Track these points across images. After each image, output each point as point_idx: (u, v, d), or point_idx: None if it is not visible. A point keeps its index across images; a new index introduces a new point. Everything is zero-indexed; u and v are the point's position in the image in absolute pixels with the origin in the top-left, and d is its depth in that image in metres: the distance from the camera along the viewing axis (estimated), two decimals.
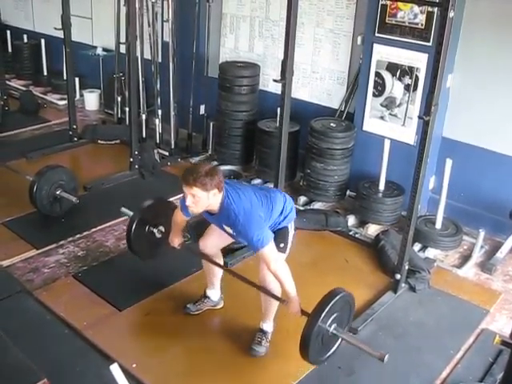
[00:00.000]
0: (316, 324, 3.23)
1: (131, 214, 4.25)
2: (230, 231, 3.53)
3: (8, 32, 9.50)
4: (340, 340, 3.46)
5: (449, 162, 4.87)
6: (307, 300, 4.00)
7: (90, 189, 5.82)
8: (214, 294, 4.16)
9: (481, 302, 4.44)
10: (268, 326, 3.85)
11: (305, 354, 3.30)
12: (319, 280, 4.38)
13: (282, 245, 3.64)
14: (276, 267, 3.40)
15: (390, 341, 4.00)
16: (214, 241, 3.93)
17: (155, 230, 4.14)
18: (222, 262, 4.11)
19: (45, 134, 7.44)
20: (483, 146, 5.23)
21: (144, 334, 4.02)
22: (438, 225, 5.11)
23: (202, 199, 3.32)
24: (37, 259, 4.69)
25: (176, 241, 3.95)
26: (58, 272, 4.54)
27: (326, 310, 3.25)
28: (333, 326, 3.34)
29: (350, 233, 5.33)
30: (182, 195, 3.49)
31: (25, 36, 9.46)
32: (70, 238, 4.97)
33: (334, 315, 3.33)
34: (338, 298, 3.33)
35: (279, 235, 3.61)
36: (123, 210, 4.49)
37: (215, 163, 6.49)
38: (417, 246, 5.02)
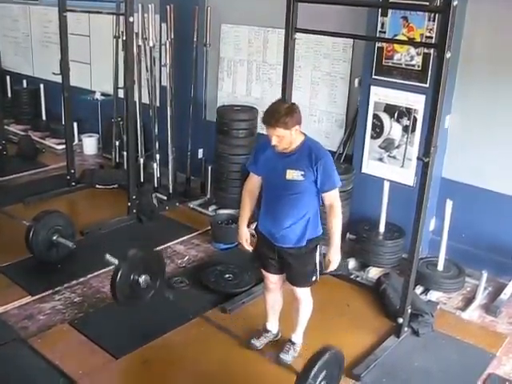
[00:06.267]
0: None
1: (116, 262, 4.26)
2: (296, 175, 3.56)
3: (8, 77, 9.60)
4: None
5: (449, 203, 4.84)
6: (308, 346, 3.94)
7: (87, 234, 5.75)
8: (274, 326, 4.21)
9: (486, 346, 4.34)
10: (297, 337, 4.05)
11: None
12: (321, 325, 4.29)
13: (313, 278, 3.83)
14: (339, 205, 3.64)
15: None
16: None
17: (141, 280, 4.23)
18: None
19: (42, 178, 7.42)
20: (483, 186, 5.21)
21: (140, 382, 3.91)
22: (440, 267, 5.05)
23: (286, 137, 3.49)
24: (32, 306, 4.60)
25: (244, 233, 3.92)
26: (53, 319, 4.45)
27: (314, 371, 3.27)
28: None
29: (351, 276, 5.26)
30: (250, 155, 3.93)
31: (24, 81, 9.60)
32: (67, 284, 4.89)
33: (323, 373, 3.33)
34: (325, 356, 3.36)
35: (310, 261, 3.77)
36: (108, 257, 4.48)
37: (214, 207, 6.46)
38: (419, 289, 4.94)
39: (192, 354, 4.09)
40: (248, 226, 3.94)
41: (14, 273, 5.01)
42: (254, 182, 3.84)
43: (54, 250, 5.15)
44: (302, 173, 3.55)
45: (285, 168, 3.59)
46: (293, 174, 3.57)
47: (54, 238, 5.10)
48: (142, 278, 4.24)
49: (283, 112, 3.46)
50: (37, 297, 4.70)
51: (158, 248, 5.53)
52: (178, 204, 6.67)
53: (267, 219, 3.78)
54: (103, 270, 5.09)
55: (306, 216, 3.65)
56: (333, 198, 3.62)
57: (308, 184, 3.58)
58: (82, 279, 4.99)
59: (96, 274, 5.07)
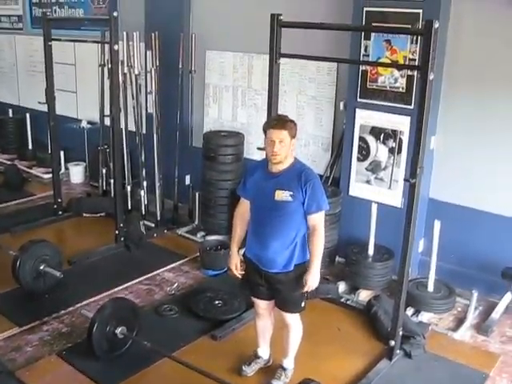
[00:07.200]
0: None
1: (91, 315, 4.26)
2: (285, 195, 3.57)
3: None
4: None
5: (437, 224, 4.83)
6: (300, 372, 3.90)
7: (75, 263, 5.69)
8: (265, 352, 4.18)
9: (479, 366, 4.31)
10: (288, 363, 4.02)
11: None
12: (312, 351, 4.26)
13: (303, 304, 3.83)
14: (323, 229, 3.65)
15: None
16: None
17: (117, 331, 4.21)
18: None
19: (29, 207, 7.37)
20: (470, 205, 5.23)
21: None
22: (430, 288, 5.02)
23: (287, 145, 3.54)
24: (19, 337, 4.53)
25: (234, 257, 3.88)
26: (41, 350, 4.38)
27: None
28: None
29: (341, 300, 5.23)
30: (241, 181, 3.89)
31: (10, 110, 9.58)
32: (55, 314, 4.83)
33: None
34: None
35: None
36: (83, 312, 4.58)
37: (202, 233, 6.43)
38: (410, 311, 4.91)
39: (183, 382, 4.03)
40: (238, 252, 3.91)
41: (1, 304, 4.95)
42: (244, 205, 3.83)
43: (42, 280, 5.08)
44: (291, 193, 3.56)
45: (274, 189, 3.59)
46: (282, 195, 3.57)
47: (41, 267, 5.04)
48: (119, 330, 4.22)
49: (288, 119, 3.64)
50: (24, 328, 4.63)
51: (146, 276, 5.52)
52: (166, 231, 6.64)
53: (254, 243, 3.75)
54: (91, 299, 5.06)
55: (294, 239, 3.64)
56: (317, 220, 3.62)
57: (296, 206, 3.58)
58: (70, 309, 4.93)
59: (84, 303, 5.01)
